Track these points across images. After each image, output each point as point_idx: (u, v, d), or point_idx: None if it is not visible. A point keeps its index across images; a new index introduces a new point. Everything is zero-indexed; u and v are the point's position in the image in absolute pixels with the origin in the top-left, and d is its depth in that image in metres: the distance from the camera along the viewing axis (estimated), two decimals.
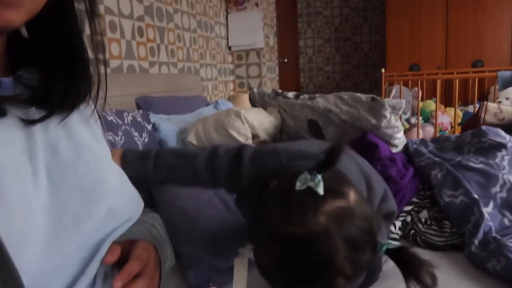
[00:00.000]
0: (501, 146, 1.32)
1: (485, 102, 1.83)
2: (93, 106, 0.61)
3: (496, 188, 1.21)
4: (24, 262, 0.41)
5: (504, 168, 1.25)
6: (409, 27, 3.99)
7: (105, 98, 0.63)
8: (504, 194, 1.20)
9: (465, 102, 3.89)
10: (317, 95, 1.66)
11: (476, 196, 1.17)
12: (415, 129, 3.18)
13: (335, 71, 4.88)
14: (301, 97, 1.68)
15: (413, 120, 3.60)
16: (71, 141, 0.53)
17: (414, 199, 1.29)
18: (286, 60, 4.26)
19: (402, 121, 3.46)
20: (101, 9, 1.83)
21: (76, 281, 0.47)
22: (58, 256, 0.46)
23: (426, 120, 3.66)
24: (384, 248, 0.54)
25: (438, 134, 3.28)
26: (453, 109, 3.21)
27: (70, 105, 0.55)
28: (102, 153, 0.59)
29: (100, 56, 0.60)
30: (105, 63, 0.60)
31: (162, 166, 0.91)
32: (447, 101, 3.86)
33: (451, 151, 1.42)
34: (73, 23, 0.59)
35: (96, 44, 0.60)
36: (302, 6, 4.85)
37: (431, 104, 3.69)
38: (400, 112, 1.45)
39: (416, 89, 3.61)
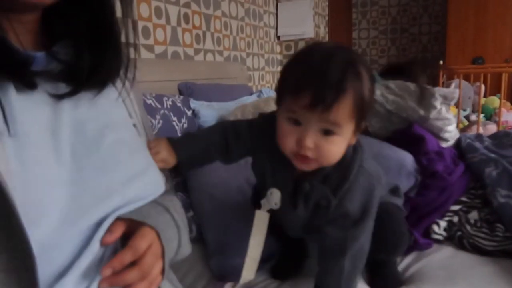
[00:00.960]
0: None
1: None
2: (124, 85, 0.60)
3: None
4: (38, 233, 0.42)
5: None
6: (473, 16, 3.69)
7: (134, 78, 0.62)
8: None
9: None
10: None
11: None
12: (475, 126, 2.95)
13: None
14: None
15: (473, 117, 3.34)
16: (98, 122, 0.54)
17: (463, 198, 1.17)
18: None
19: (461, 117, 3.22)
20: None
21: (81, 254, 0.46)
22: (73, 230, 0.46)
23: (488, 118, 3.38)
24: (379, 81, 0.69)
25: None
26: None
27: (100, 82, 0.55)
28: (128, 134, 0.59)
29: (133, 40, 0.59)
30: (135, 46, 0.59)
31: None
32: None
33: (510, 148, 1.28)
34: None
35: (127, 25, 0.59)
36: None
37: (494, 101, 3.40)
38: (452, 103, 1.33)
39: (478, 83, 3.34)
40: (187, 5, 2.15)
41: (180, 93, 1.89)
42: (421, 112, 1.32)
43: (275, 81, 3.29)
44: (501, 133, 1.37)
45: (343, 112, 0.62)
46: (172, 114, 1.59)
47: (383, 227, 0.81)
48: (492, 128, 3.13)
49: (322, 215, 0.75)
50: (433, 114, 1.31)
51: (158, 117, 1.49)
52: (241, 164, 1.37)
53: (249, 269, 0.80)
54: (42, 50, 0.49)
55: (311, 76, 0.62)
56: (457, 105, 3.14)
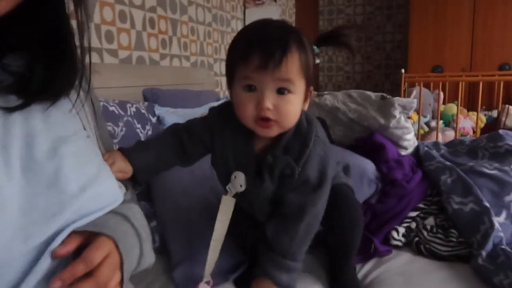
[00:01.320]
0: None
1: (506, 106, 1.73)
2: (78, 95, 0.59)
3: (510, 197, 1.12)
4: None
5: None
6: (433, 27, 3.85)
7: (89, 88, 0.61)
8: None
9: (489, 106, 3.73)
10: (325, 92, 1.59)
11: (487, 205, 1.09)
12: (434, 133, 3.07)
13: (355, 71, 4.77)
14: None
15: (433, 123, 3.47)
16: (50, 135, 0.52)
17: (421, 205, 1.21)
18: None
19: (421, 124, 3.34)
20: None
21: (31, 270, 0.45)
22: (24, 247, 0.45)
23: (447, 124, 3.52)
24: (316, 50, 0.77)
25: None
26: (476, 113, 3.08)
27: (53, 94, 0.54)
28: (81, 146, 0.57)
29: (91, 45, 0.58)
30: (90, 52, 0.57)
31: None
32: (471, 105, 3.71)
33: (464, 155, 1.34)
34: (60, 9, 0.57)
35: (82, 31, 0.58)
36: (324, 3, 4.76)
37: (453, 108, 3.55)
38: (410, 113, 1.38)
39: (437, 91, 3.48)
40: (152, 10, 2.12)
41: (145, 99, 1.87)
42: (382, 121, 1.36)
43: None
44: (456, 141, 1.43)
45: (291, 67, 0.68)
46: (136, 121, 1.56)
47: (338, 208, 0.85)
48: (450, 134, 3.26)
49: (287, 184, 0.78)
50: (392, 123, 1.35)
51: (121, 124, 1.47)
52: (207, 173, 1.37)
53: (214, 250, 0.81)
54: None
55: (257, 40, 0.68)
56: (418, 112, 3.26)
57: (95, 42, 1.73)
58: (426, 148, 1.39)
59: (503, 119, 1.70)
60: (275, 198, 0.81)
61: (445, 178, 1.22)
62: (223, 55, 2.93)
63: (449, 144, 1.45)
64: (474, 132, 3.26)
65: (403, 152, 1.41)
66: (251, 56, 0.67)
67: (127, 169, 0.74)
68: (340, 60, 4.81)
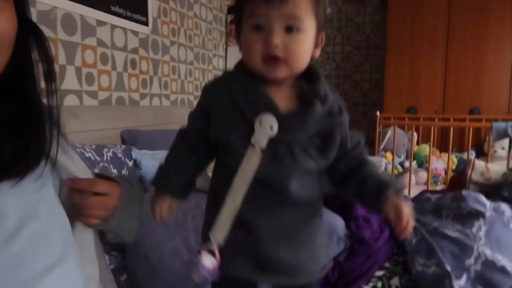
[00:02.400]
0: (479, 214, 1.28)
1: (472, 160, 1.81)
2: (46, 164, 0.59)
3: (471, 261, 1.17)
4: None
5: (480, 239, 1.22)
6: (408, 69, 4.01)
7: (49, 156, 0.61)
8: (478, 267, 1.16)
9: (460, 148, 3.87)
10: None
11: (449, 268, 1.14)
12: (408, 174, 3.15)
13: None
14: None
15: (407, 163, 3.57)
16: (19, 211, 0.53)
17: (387, 264, 1.25)
18: None
19: (395, 164, 3.43)
20: (93, 41, 1.84)
21: None
22: None
23: (420, 164, 3.63)
24: None
25: (431, 181, 3.25)
26: (448, 154, 3.18)
27: (22, 170, 0.55)
28: (51, 221, 0.57)
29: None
30: (58, 129, 0.60)
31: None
32: (443, 146, 3.84)
33: (430, 214, 1.39)
34: (31, 86, 0.59)
35: (51, 106, 0.60)
36: None
37: (426, 149, 3.67)
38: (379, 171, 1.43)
39: (411, 132, 3.60)
40: (134, 51, 2.16)
41: (123, 141, 1.88)
42: None
43: None
44: (423, 198, 1.49)
45: (300, 2, 0.65)
46: (111, 166, 1.57)
47: None
48: (423, 175, 3.36)
49: (336, 124, 0.71)
50: None
51: (96, 171, 1.47)
52: (179, 221, 1.38)
53: (228, 213, 0.68)
54: None
55: None
56: (392, 152, 3.35)
57: (75, 85, 1.75)
58: None
59: (469, 172, 1.77)
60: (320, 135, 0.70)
61: (410, 238, 1.26)
62: None
63: (416, 200, 1.51)
64: (446, 173, 3.37)
65: None
66: None
67: (174, 206, 0.74)
68: None
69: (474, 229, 1.25)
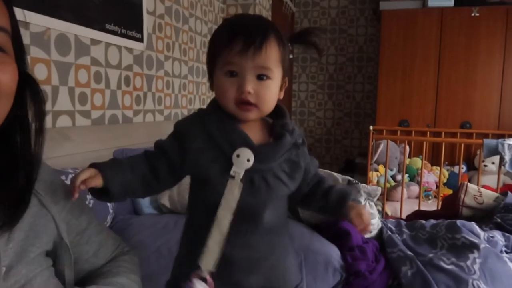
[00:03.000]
0: (474, 246, 1.29)
1: (465, 183, 1.82)
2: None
3: None
4: None
5: (474, 273, 1.22)
6: (400, 82, 4.04)
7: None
8: None
9: (452, 161, 3.90)
10: None
11: None
12: (399, 188, 3.17)
13: (326, 117, 4.90)
14: None
15: (399, 177, 3.60)
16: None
17: None
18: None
19: (388, 177, 3.45)
20: (87, 60, 1.82)
21: None
22: None
23: (412, 177, 3.66)
24: None
25: (422, 194, 3.27)
26: (439, 167, 3.21)
27: (14, 220, 0.56)
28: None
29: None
30: (31, 186, 0.61)
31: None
32: (434, 159, 3.87)
33: (425, 244, 1.40)
34: (25, 138, 0.60)
35: (35, 156, 0.61)
36: (299, 51, 4.92)
37: (418, 162, 3.69)
38: (375, 199, 1.43)
39: (403, 145, 3.63)
40: (128, 68, 2.14)
41: None
42: None
43: None
44: (418, 225, 1.49)
45: (270, 54, 0.74)
46: None
47: None
48: (414, 189, 3.38)
49: (300, 154, 0.82)
50: None
51: (88, 196, 1.45)
52: (173, 254, 1.37)
53: (215, 241, 0.71)
54: None
55: (240, 26, 0.75)
56: (385, 165, 3.37)
57: (68, 106, 1.72)
58: (389, 233, 1.44)
59: (462, 196, 1.78)
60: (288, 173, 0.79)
61: (405, 269, 1.27)
62: (197, 105, 2.97)
63: (411, 227, 1.51)
64: (437, 187, 3.39)
65: (367, 235, 1.46)
66: (233, 41, 0.71)
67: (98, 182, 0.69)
68: (312, 106, 4.94)
69: (468, 262, 1.25)
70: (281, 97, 0.82)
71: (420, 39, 3.96)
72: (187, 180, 0.83)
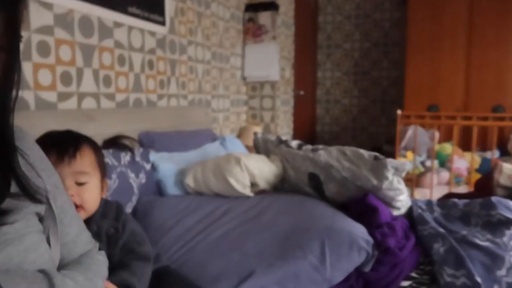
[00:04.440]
0: (510, 223, 1.22)
1: (499, 163, 1.74)
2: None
3: (502, 272, 1.12)
4: None
5: (511, 249, 1.16)
6: (429, 66, 3.91)
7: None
8: (510, 279, 1.10)
9: (483, 147, 3.76)
10: (320, 146, 1.60)
11: (479, 280, 1.09)
12: (429, 174, 3.08)
13: (352, 104, 4.81)
14: (304, 147, 1.62)
15: (428, 163, 3.49)
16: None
17: (413, 274, 1.20)
18: (302, 93, 4.22)
19: (417, 163, 3.35)
20: (110, 43, 1.83)
21: None
22: None
23: (442, 164, 3.54)
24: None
25: (453, 180, 3.16)
26: (470, 153, 3.09)
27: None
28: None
29: None
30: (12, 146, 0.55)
31: None
32: (465, 145, 3.73)
33: (458, 221, 1.34)
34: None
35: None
36: (323, 37, 4.84)
37: (448, 148, 3.57)
38: (403, 174, 1.38)
39: (432, 130, 3.51)
40: (152, 52, 2.14)
41: (141, 143, 1.86)
42: (374, 181, 1.36)
43: (240, 121, 3.32)
44: (450, 203, 1.43)
45: (85, 160, 0.87)
46: (129, 171, 1.56)
47: None
48: (445, 175, 3.28)
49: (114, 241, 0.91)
50: (385, 184, 1.35)
51: (114, 176, 1.46)
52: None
53: None
54: None
55: (52, 141, 0.86)
56: (413, 151, 3.28)
57: (92, 88, 1.74)
58: (419, 211, 1.39)
59: (496, 176, 1.70)
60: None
61: (437, 247, 1.22)
62: (221, 91, 2.96)
63: (442, 205, 1.45)
64: (468, 173, 3.27)
65: (396, 212, 1.41)
66: (49, 155, 0.71)
67: None
68: (338, 93, 4.85)
69: (505, 238, 1.19)
70: (105, 195, 0.95)
71: (449, 20, 3.82)
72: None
